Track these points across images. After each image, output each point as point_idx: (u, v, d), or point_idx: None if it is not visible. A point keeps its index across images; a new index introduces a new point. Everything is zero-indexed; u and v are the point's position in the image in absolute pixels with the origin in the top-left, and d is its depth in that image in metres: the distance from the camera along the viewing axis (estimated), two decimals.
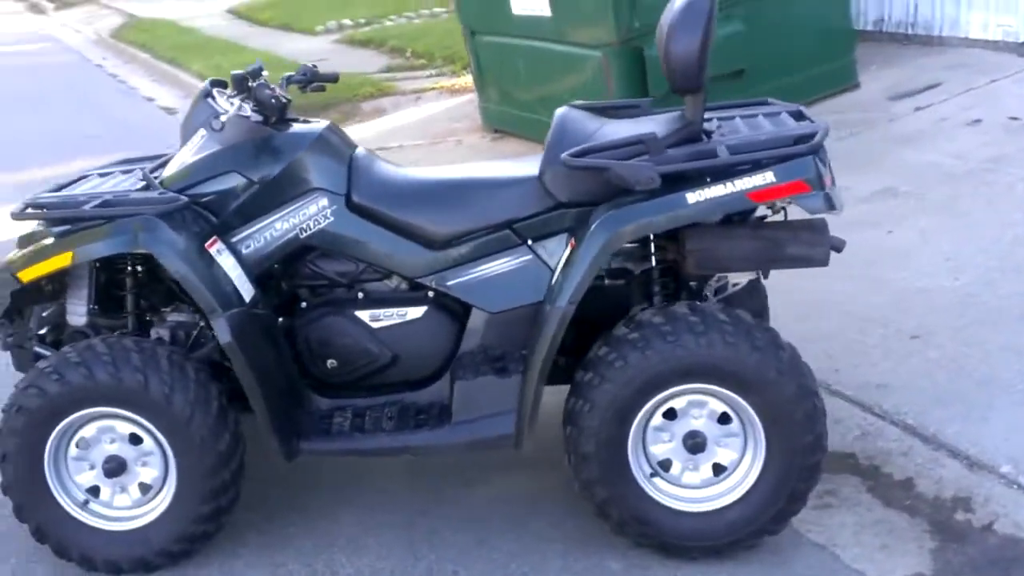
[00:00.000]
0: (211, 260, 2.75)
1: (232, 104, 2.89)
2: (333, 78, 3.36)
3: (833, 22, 6.39)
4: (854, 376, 3.57)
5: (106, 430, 2.77)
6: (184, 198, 2.80)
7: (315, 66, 3.28)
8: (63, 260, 2.73)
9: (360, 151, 3.05)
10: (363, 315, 2.94)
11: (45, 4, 21.81)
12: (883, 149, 5.63)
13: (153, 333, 3.00)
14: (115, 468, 2.78)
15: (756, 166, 2.57)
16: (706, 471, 2.74)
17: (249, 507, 3.01)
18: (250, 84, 2.89)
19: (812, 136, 2.66)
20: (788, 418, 2.62)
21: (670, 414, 2.70)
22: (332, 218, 2.90)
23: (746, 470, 2.71)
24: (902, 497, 3.03)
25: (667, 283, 2.90)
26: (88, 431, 2.77)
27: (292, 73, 3.22)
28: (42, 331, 3.08)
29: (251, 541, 2.98)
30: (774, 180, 2.54)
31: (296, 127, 2.99)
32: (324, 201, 2.90)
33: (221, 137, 2.90)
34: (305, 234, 2.90)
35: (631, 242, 2.81)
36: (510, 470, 3.21)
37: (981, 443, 3.13)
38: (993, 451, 3.08)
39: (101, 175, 3.19)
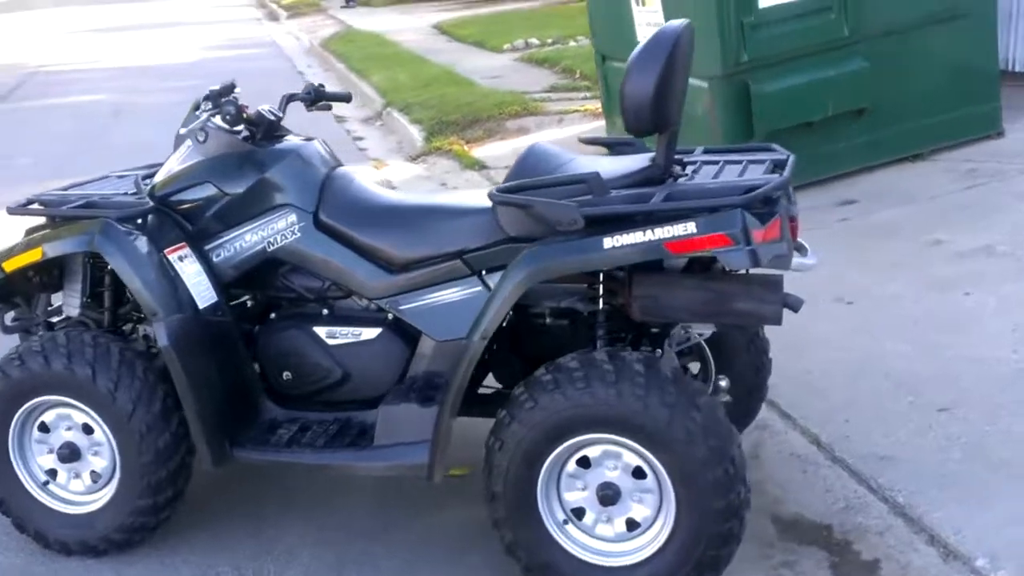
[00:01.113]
0: (166, 266, 2.89)
1: (216, 118, 3.03)
2: (344, 97, 3.46)
3: (975, 62, 5.91)
4: (862, 444, 3.33)
5: (64, 418, 2.96)
6: (149, 204, 2.95)
7: (322, 85, 3.37)
8: (35, 255, 2.94)
9: (340, 170, 3.12)
10: (320, 331, 3.00)
11: (280, 12, 23.30)
12: (1003, 204, 5.20)
13: (141, 330, 3.18)
14: (69, 455, 2.96)
15: (681, 216, 2.46)
16: (620, 525, 2.63)
17: (203, 505, 3.15)
18: (220, 101, 3.01)
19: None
20: (698, 481, 2.49)
21: (584, 462, 2.62)
22: (299, 234, 2.98)
23: (659, 529, 2.59)
24: None
25: (613, 327, 2.81)
26: (48, 416, 2.97)
27: (295, 92, 3.33)
28: (53, 318, 3.32)
29: (195, 538, 3.09)
30: (694, 231, 2.42)
31: (277, 144, 3.09)
32: (292, 217, 2.98)
33: (204, 149, 3.04)
34: (272, 248, 3.00)
35: (579, 281, 2.76)
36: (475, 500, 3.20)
37: (965, 531, 2.85)
38: (974, 541, 2.80)
39: (120, 176, 3.41)
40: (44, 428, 3.00)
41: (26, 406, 2.95)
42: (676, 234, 2.43)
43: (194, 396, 2.83)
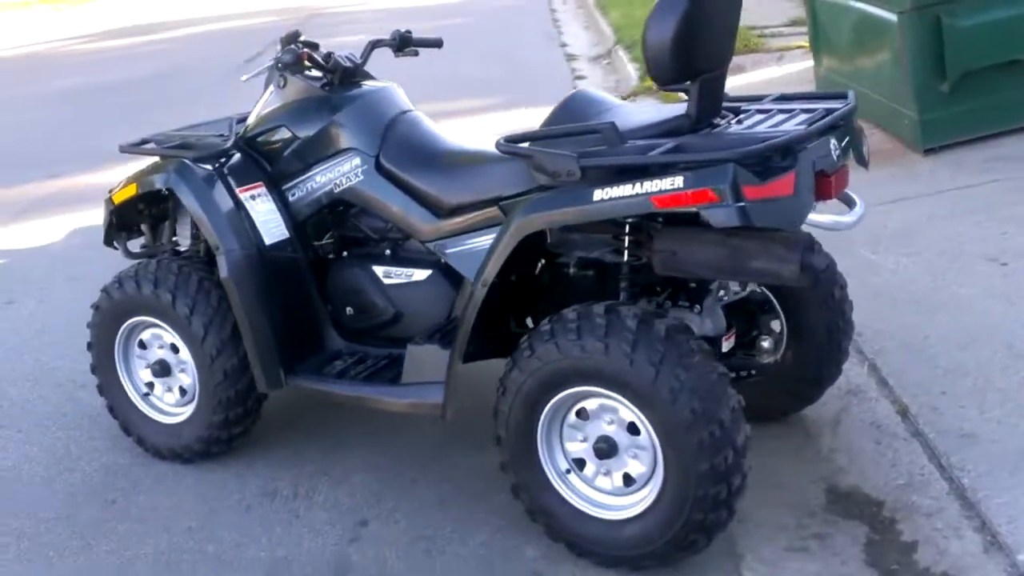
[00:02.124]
0: (236, 203, 3.12)
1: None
2: (434, 43, 3.52)
3: None
4: (951, 419, 3.08)
5: (157, 336, 3.29)
6: (225, 146, 3.18)
7: (408, 32, 3.46)
8: (131, 190, 3.27)
9: (408, 115, 3.20)
10: (378, 270, 3.14)
11: None
12: None
13: None
14: (161, 370, 3.29)
15: (674, 169, 2.37)
16: (617, 479, 2.61)
17: (278, 429, 3.45)
18: (287, 47, 3.17)
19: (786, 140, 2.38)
20: (682, 442, 2.42)
21: (583, 414, 2.61)
22: (361, 177, 3.11)
23: (652, 487, 2.55)
24: (889, 561, 2.63)
25: (643, 280, 2.75)
26: (145, 335, 3.32)
27: (381, 38, 3.44)
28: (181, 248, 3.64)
29: (267, 457, 3.36)
30: (680, 186, 2.33)
31: (349, 90, 3.22)
32: (356, 160, 3.12)
33: (283, 94, 3.23)
34: (339, 189, 3.15)
35: (606, 232, 2.73)
36: None
37: (1019, 521, 2.60)
38: None
39: (239, 120, 3.67)
40: (142, 345, 3.35)
41: (126, 324, 3.30)
42: (663, 188, 2.35)
43: (250, 325, 3.05)
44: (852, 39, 5.90)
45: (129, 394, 3.39)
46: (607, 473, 2.63)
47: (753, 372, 3.00)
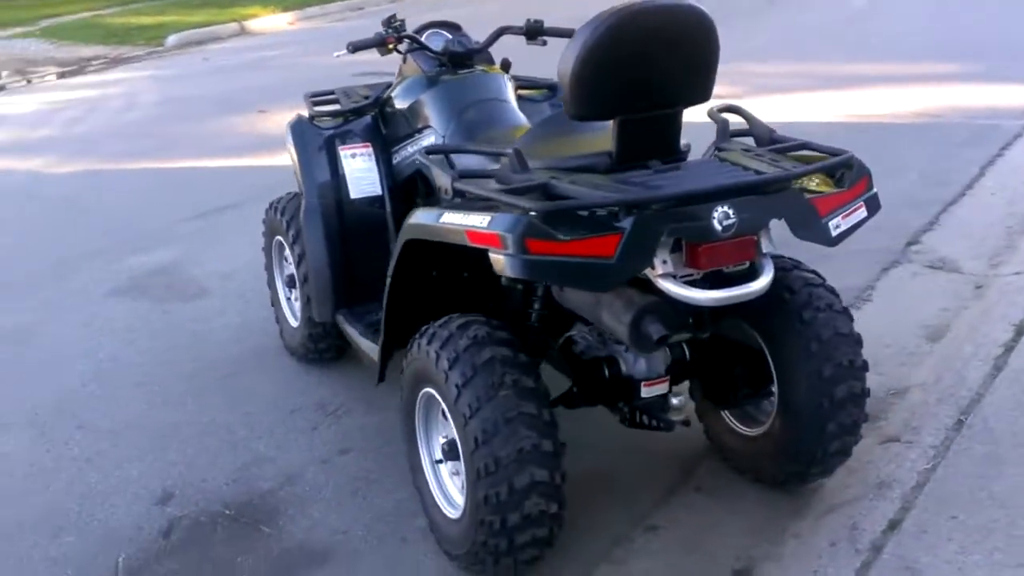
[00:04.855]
0: (332, 158, 3.57)
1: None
2: (565, 33, 3.58)
3: None
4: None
5: None
6: (345, 109, 3.64)
7: (540, 21, 3.58)
8: None
9: (487, 103, 3.33)
10: None
11: None
12: None
13: None
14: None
15: (491, 205, 2.39)
16: (459, 481, 2.73)
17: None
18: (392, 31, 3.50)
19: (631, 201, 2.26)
20: (469, 465, 2.49)
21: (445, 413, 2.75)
22: None
23: (463, 497, 2.64)
24: None
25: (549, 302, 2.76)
26: None
27: (511, 25, 3.61)
28: None
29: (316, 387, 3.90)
30: (483, 226, 2.33)
31: (451, 73, 3.47)
32: (431, 139, 3.41)
33: (404, 69, 3.62)
34: (418, 162, 3.49)
35: None
36: None
37: None
38: None
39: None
40: None
41: None
42: (475, 224, 2.38)
43: (311, 264, 3.54)
44: None
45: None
46: (456, 473, 2.76)
47: (660, 427, 2.82)
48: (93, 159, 7.84)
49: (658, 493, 3.04)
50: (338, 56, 3.58)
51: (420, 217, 2.67)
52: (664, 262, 2.33)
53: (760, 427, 2.92)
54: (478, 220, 2.37)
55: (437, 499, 2.82)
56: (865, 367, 2.74)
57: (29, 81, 13.14)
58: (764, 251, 2.44)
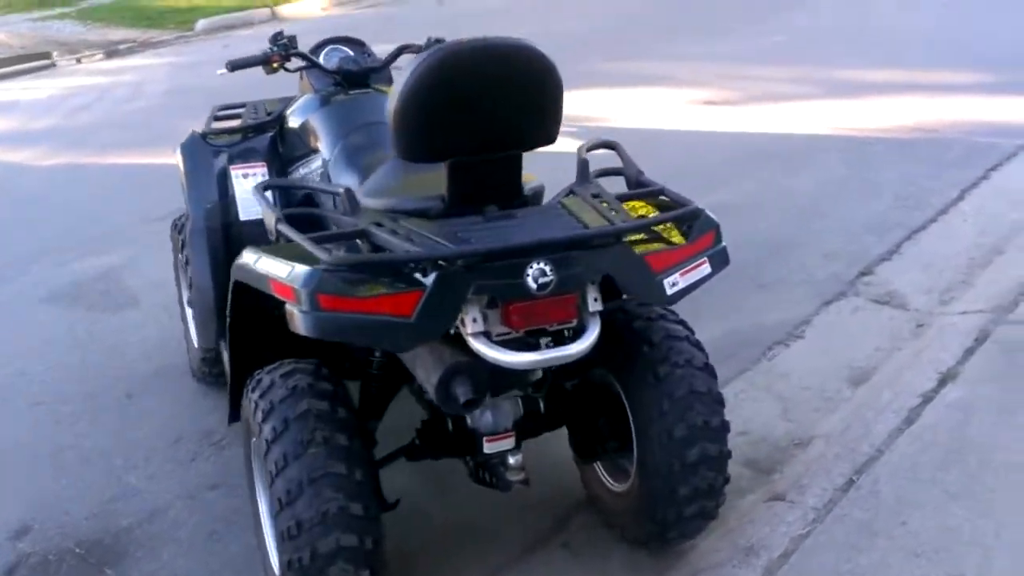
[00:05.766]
0: (221, 178, 3.44)
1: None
2: None
3: None
4: None
5: None
6: (243, 127, 3.51)
7: (439, 40, 3.41)
8: None
9: (374, 127, 3.21)
10: None
11: None
12: None
13: None
14: None
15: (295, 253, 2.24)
16: None
17: None
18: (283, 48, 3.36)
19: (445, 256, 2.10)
20: (276, 523, 2.34)
21: None
22: (319, 179, 3.27)
23: None
24: None
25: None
26: None
27: (411, 43, 3.46)
28: None
29: None
30: (282, 276, 2.20)
31: (340, 94, 3.32)
32: (318, 163, 3.27)
33: (300, 87, 3.48)
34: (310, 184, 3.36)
35: None
36: None
37: None
38: None
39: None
40: None
41: None
42: (277, 273, 2.25)
43: (197, 287, 3.41)
44: None
45: None
46: None
47: (497, 486, 2.64)
48: (80, 152, 7.83)
49: (522, 546, 2.88)
50: (220, 74, 3.45)
51: (245, 257, 2.53)
52: (474, 320, 2.18)
53: (626, 483, 2.76)
54: (281, 269, 2.24)
55: (269, 554, 2.69)
56: (724, 428, 2.55)
57: (55, 65, 13.24)
58: (591, 309, 2.27)
